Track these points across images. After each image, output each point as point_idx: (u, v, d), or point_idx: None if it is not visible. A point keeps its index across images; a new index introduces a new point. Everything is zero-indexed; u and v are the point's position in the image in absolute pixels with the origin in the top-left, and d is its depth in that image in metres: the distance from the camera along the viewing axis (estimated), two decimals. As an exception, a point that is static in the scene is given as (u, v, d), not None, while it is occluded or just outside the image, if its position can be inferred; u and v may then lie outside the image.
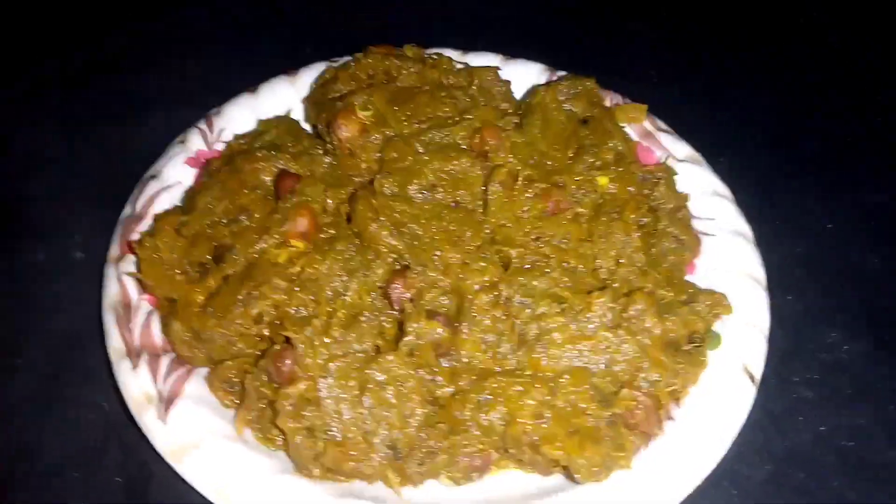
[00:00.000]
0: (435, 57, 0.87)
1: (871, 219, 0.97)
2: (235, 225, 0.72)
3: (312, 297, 0.66)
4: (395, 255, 0.69)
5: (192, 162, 0.84)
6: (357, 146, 0.76)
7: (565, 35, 1.18)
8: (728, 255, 0.76)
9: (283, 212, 0.71)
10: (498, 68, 0.87)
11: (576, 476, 0.59)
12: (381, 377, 0.61)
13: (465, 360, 0.64)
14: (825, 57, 1.20)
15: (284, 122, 0.84)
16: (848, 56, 1.20)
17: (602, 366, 0.64)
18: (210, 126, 0.86)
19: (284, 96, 0.91)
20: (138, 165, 0.84)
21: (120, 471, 0.72)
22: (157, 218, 0.76)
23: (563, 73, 0.91)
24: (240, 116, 0.88)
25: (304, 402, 0.61)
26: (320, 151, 0.79)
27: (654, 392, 0.63)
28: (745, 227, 0.78)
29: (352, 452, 0.60)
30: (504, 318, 0.65)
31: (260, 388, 0.63)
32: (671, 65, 1.16)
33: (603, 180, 0.75)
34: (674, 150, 0.85)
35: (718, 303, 0.69)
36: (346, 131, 0.76)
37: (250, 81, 0.91)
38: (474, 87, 0.85)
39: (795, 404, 0.77)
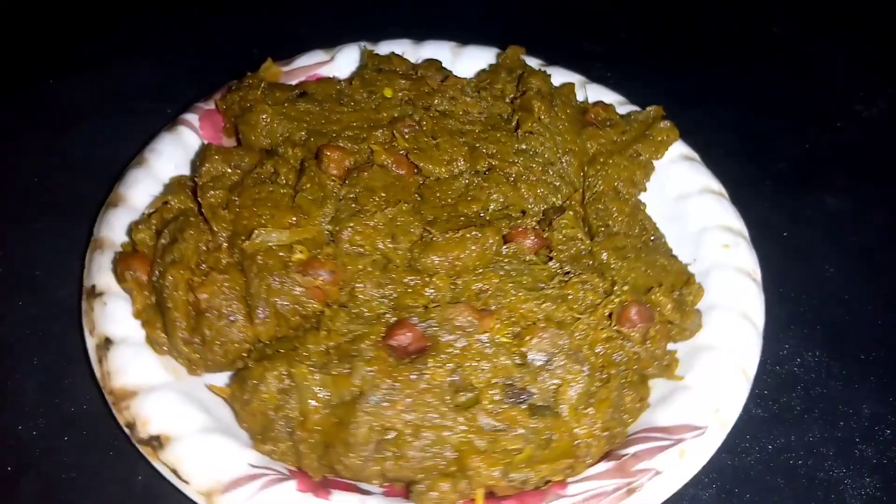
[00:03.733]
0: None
1: (829, 228, 0.94)
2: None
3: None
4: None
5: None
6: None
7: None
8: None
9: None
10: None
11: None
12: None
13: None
14: (789, 68, 1.18)
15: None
16: (812, 68, 1.19)
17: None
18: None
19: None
20: (64, 176, 0.82)
21: (38, 500, 0.66)
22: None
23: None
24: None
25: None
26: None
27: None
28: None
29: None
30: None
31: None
32: (635, 75, 1.07)
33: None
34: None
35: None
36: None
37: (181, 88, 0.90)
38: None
39: (744, 422, 0.69)
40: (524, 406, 0.60)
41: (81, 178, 0.81)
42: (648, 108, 0.84)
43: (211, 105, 0.83)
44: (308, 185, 0.70)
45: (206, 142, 0.82)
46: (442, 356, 0.61)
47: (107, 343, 0.64)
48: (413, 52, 0.93)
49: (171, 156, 0.79)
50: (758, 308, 0.72)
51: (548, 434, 0.59)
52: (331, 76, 0.88)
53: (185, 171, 0.79)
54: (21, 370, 0.73)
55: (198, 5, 1.20)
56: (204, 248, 0.66)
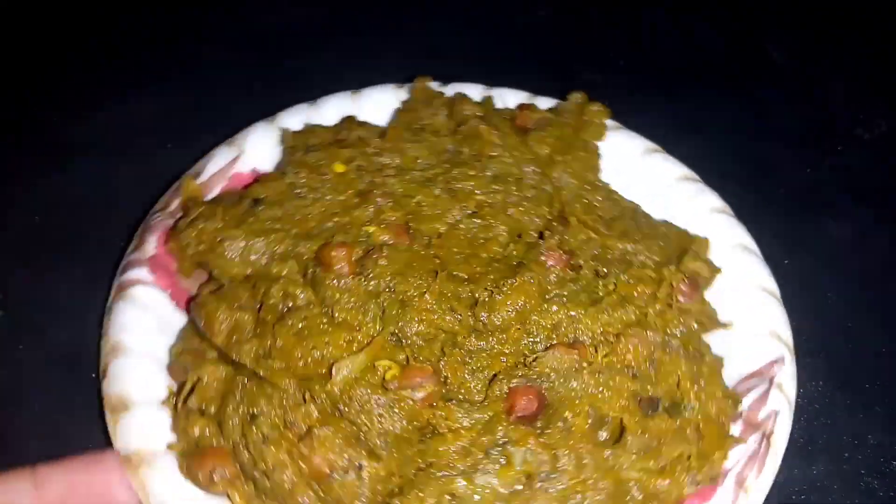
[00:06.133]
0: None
1: (831, 255, 0.93)
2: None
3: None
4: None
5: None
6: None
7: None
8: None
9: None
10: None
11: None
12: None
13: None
14: (788, 93, 1.16)
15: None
16: (812, 92, 1.16)
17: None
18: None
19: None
20: (64, 214, 0.87)
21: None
22: None
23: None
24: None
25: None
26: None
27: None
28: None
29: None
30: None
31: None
32: (632, 103, 0.99)
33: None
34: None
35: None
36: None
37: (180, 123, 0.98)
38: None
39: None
40: (660, 413, 0.62)
41: (81, 217, 0.85)
42: (572, 96, 0.87)
43: (149, 251, 0.72)
44: (338, 296, 0.65)
45: (168, 292, 0.71)
46: (575, 403, 0.61)
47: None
48: (314, 113, 0.87)
49: (142, 326, 0.67)
50: (744, 235, 0.80)
51: (693, 426, 0.62)
52: (266, 172, 0.80)
53: (166, 335, 0.68)
54: (21, 418, 0.73)
55: (194, 41, 1.19)
56: (280, 410, 0.58)
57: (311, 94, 0.88)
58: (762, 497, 0.62)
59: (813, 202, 1.01)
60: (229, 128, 0.84)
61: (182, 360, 0.64)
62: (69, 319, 0.80)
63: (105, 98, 1.07)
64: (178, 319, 0.71)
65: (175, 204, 0.76)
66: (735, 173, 0.98)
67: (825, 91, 1.16)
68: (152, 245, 0.73)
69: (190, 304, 0.68)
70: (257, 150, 0.83)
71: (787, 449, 0.69)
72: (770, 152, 1.06)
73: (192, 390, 0.61)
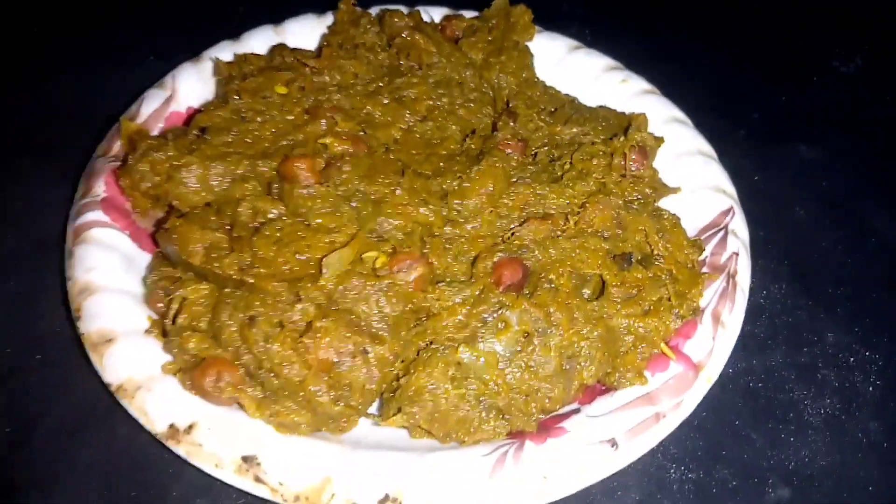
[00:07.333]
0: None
1: (800, 174, 0.96)
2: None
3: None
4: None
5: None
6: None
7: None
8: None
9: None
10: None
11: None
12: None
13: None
14: (768, 26, 1.18)
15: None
16: (791, 26, 1.17)
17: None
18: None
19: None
20: (53, 120, 0.94)
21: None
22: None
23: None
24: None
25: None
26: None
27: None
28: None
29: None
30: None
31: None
32: (612, 34, 1.05)
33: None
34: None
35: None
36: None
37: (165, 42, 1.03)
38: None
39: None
40: (635, 265, 0.66)
41: (62, 122, 0.92)
42: (495, 1, 0.89)
43: (100, 194, 0.69)
44: (310, 203, 0.65)
45: (126, 233, 0.68)
46: (556, 267, 0.63)
47: (248, 461, 0.55)
48: (240, 48, 0.85)
49: (109, 265, 0.65)
50: (675, 109, 0.84)
51: (667, 272, 0.66)
52: (208, 101, 0.78)
53: (133, 274, 0.66)
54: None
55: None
56: (276, 312, 0.58)
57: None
58: (737, 331, 0.66)
59: (785, 127, 1.02)
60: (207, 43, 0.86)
61: (160, 287, 0.62)
62: (47, 210, 0.82)
63: (92, 20, 1.12)
64: (143, 258, 0.68)
65: (116, 147, 0.74)
66: (710, 100, 1.00)
67: (805, 26, 1.18)
68: (101, 188, 0.70)
69: (155, 237, 0.66)
70: (189, 89, 0.81)
71: (747, 342, 0.75)
72: (747, 81, 1.09)
73: (179, 310, 0.59)
